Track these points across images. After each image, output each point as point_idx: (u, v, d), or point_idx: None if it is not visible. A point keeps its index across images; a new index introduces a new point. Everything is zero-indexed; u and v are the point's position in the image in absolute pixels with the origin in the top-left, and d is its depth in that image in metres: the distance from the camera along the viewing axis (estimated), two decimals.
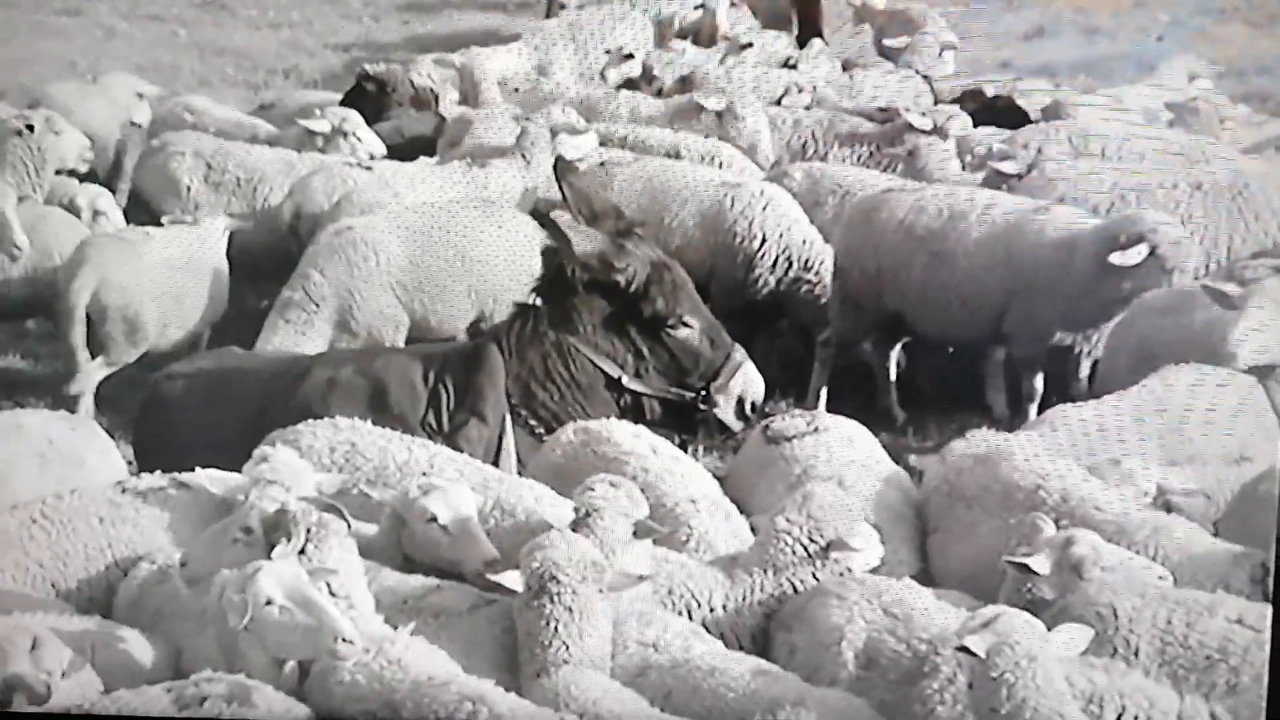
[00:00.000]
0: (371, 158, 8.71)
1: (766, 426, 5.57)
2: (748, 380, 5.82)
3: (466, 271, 7.37)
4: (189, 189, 8.50)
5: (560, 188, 5.97)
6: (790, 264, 7.92)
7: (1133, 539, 4.71)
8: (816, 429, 5.42)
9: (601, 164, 8.29)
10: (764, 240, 7.89)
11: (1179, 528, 4.84)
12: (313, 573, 3.93)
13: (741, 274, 7.93)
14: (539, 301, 5.83)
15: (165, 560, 4.52)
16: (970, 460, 5.20)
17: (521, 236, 7.41)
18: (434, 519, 4.56)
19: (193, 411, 5.93)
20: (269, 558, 4.02)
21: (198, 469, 4.80)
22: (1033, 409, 7.34)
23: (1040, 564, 4.42)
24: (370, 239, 7.30)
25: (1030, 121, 9.62)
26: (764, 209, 7.93)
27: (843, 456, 5.33)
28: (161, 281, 7.42)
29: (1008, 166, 8.13)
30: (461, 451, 5.51)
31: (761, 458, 5.44)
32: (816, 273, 7.90)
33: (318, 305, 7.20)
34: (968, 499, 5.09)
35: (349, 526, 4.25)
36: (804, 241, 7.93)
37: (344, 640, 3.79)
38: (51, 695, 3.78)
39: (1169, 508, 5.11)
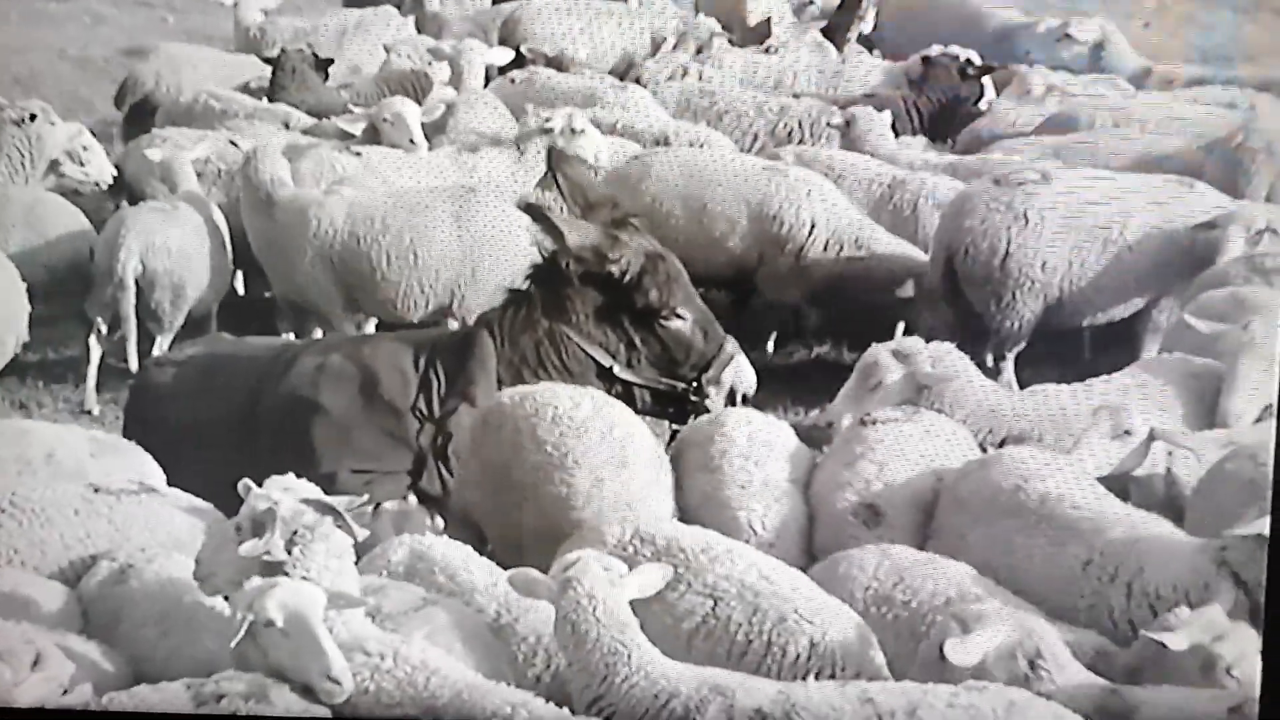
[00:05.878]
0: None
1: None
2: (739, 372, 5.81)
3: (418, 263, 7.36)
4: None
5: (555, 178, 5.98)
6: (841, 246, 7.81)
7: (1108, 537, 4.67)
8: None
9: (636, 158, 8.22)
10: (814, 227, 7.80)
11: (1155, 524, 4.78)
12: (333, 597, 3.90)
13: (792, 262, 7.83)
14: (532, 288, 5.83)
15: (125, 559, 4.49)
16: (975, 464, 5.19)
17: (489, 227, 7.40)
18: None
19: (183, 399, 5.92)
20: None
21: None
22: None
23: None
24: (332, 208, 7.40)
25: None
26: (808, 194, 7.82)
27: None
28: (195, 246, 7.53)
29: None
30: (452, 436, 5.56)
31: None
32: (868, 249, 7.79)
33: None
34: (960, 501, 5.05)
35: (353, 536, 4.19)
36: (849, 222, 7.81)
37: (330, 679, 3.76)
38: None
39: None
